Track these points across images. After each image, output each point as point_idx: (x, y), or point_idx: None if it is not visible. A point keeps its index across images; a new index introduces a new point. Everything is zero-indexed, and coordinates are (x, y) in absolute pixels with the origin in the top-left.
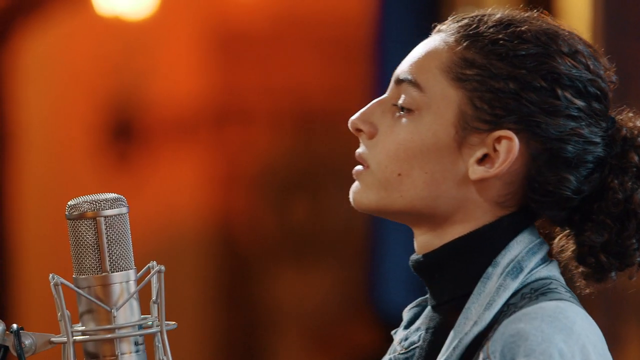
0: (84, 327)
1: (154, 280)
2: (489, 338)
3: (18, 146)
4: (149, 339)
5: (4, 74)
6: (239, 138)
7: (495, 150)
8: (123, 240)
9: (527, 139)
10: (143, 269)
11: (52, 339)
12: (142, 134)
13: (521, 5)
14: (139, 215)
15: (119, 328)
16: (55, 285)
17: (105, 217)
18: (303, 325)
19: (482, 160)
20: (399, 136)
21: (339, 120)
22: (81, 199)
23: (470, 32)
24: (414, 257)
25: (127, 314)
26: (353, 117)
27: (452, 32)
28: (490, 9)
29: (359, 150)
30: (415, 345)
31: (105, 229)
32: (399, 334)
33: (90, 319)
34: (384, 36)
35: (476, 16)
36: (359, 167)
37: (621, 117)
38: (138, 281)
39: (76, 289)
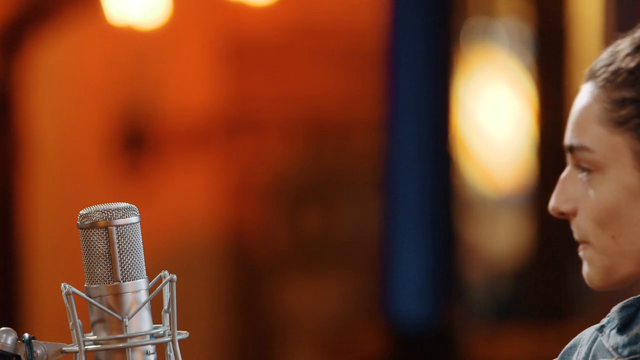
0: (95, 337)
1: (166, 289)
2: None
3: (30, 155)
4: (160, 349)
5: (17, 83)
6: (251, 148)
7: None
8: (135, 249)
9: None
10: (155, 279)
11: (64, 349)
12: (154, 144)
13: (533, 12)
14: (151, 224)
15: (131, 337)
16: (67, 294)
17: (117, 226)
18: (315, 334)
19: None
20: (595, 201)
21: (351, 131)
22: (93, 208)
23: (610, 71)
24: None
25: (139, 323)
26: (551, 205)
27: (594, 78)
28: (623, 36)
29: (575, 234)
30: (638, 355)
31: (117, 238)
32: (612, 339)
33: (101, 328)
34: (396, 47)
35: (612, 50)
36: (581, 248)
37: None
38: (150, 290)
39: (88, 298)
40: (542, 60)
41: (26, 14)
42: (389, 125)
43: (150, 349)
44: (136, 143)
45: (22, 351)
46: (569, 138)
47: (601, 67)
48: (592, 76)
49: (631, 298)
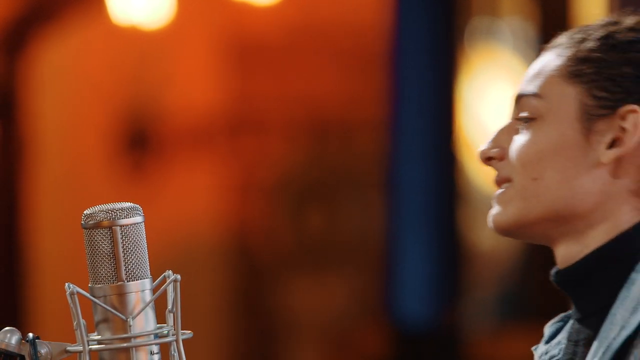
0: (99, 336)
1: (170, 289)
2: (636, 345)
3: (34, 155)
4: (164, 348)
5: (21, 83)
6: (254, 147)
7: (622, 129)
8: (139, 249)
9: None
10: (159, 278)
11: (68, 348)
12: (157, 143)
13: (536, 12)
14: (155, 224)
15: (135, 337)
16: (71, 294)
17: (121, 226)
18: (318, 333)
19: (611, 146)
20: (527, 142)
21: (355, 130)
22: (97, 208)
23: (578, 37)
24: (556, 271)
25: (143, 323)
26: (480, 148)
27: (560, 43)
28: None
29: (496, 176)
30: (556, 358)
31: (121, 238)
32: (539, 349)
33: (106, 328)
34: (400, 47)
35: (579, 28)
36: (498, 191)
37: None
38: (154, 290)
39: (92, 298)
40: None
41: (30, 13)
42: (393, 125)
43: (155, 348)
44: (140, 143)
45: (26, 351)
46: (521, 89)
47: (567, 37)
48: (556, 45)
49: (561, 315)
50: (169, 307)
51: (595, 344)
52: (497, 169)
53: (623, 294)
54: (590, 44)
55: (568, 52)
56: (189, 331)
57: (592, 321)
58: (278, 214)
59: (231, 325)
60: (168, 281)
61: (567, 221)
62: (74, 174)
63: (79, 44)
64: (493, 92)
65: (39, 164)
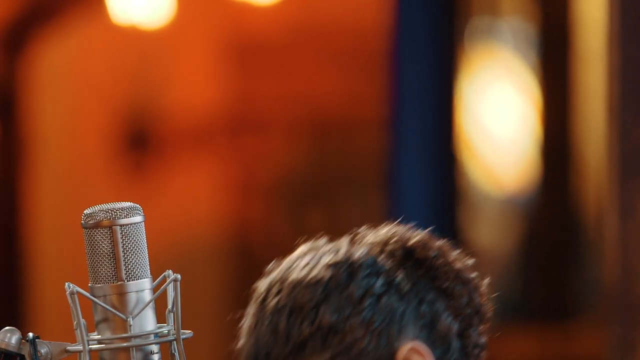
0: (99, 336)
1: (170, 289)
2: None
3: (34, 155)
4: (164, 348)
5: (21, 83)
6: (255, 147)
7: None
8: (139, 249)
9: None
10: (159, 278)
11: (68, 348)
12: (158, 143)
13: (536, 11)
14: (155, 224)
15: (135, 337)
16: (71, 294)
17: (121, 225)
18: None
19: None
20: None
21: (355, 130)
22: (97, 207)
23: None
24: None
25: (143, 322)
26: None
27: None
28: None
29: None
30: None
31: (121, 237)
32: None
33: (106, 327)
34: (400, 46)
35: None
36: None
37: None
38: (154, 290)
39: (92, 297)
40: (547, 60)
41: (30, 13)
42: (393, 125)
43: (155, 348)
44: (140, 142)
45: (26, 350)
46: None
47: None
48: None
49: None
50: (169, 306)
51: None
52: None
53: None
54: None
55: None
56: (189, 331)
57: None
58: (278, 214)
59: (231, 325)
60: (168, 281)
61: None
62: (74, 174)
63: (79, 44)
64: (493, 92)
65: (39, 164)
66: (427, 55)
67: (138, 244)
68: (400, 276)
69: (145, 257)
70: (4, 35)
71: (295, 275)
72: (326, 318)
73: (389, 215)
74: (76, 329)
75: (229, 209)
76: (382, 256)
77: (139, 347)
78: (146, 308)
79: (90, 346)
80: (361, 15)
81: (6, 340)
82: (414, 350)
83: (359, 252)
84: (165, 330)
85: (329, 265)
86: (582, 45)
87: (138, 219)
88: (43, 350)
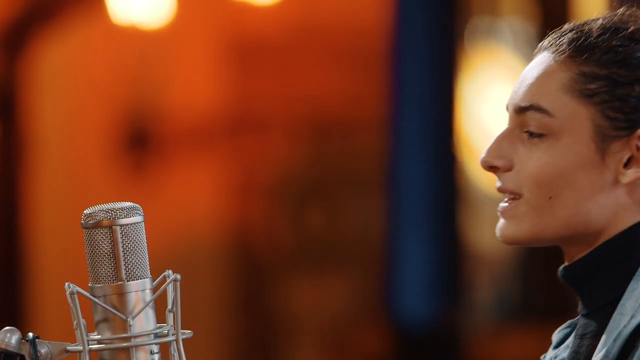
0: (99, 336)
1: (170, 289)
2: None
3: (34, 155)
4: (164, 348)
5: (21, 83)
6: (255, 147)
7: (638, 149)
8: (139, 248)
9: None
10: (159, 278)
11: (68, 348)
12: (158, 143)
13: (536, 11)
14: (155, 223)
15: (135, 337)
16: (71, 294)
17: (121, 225)
18: (319, 333)
19: (627, 164)
20: (541, 160)
21: (356, 130)
22: (97, 207)
23: (581, 46)
24: (563, 266)
25: (143, 322)
26: (483, 156)
27: (561, 49)
28: (590, 18)
29: (500, 185)
30: (560, 357)
31: (121, 237)
32: (548, 355)
33: (106, 327)
34: (400, 46)
35: (579, 28)
36: (505, 204)
37: None
38: (154, 290)
39: (92, 297)
40: None
41: (30, 13)
42: (393, 125)
43: (155, 348)
44: (140, 142)
45: (26, 350)
46: (524, 100)
47: (569, 41)
48: (555, 46)
49: (568, 321)
50: (169, 306)
51: (604, 336)
52: (501, 179)
53: (632, 286)
54: (596, 56)
55: (571, 64)
56: (189, 331)
57: (599, 315)
58: (279, 214)
59: (231, 325)
60: (168, 281)
61: (581, 235)
62: (74, 173)
63: (79, 44)
64: (493, 92)
65: (39, 164)
66: (427, 55)
67: (138, 244)
68: None
69: (145, 257)
70: (4, 35)
71: None
72: None
73: (389, 215)
74: (76, 329)
75: (229, 209)
76: None
77: (138, 347)
78: (146, 308)
79: (90, 346)
80: (361, 15)
81: (6, 340)
82: None
83: None
84: (165, 330)
85: None
86: None
87: (138, 219)
88: (43, 350)
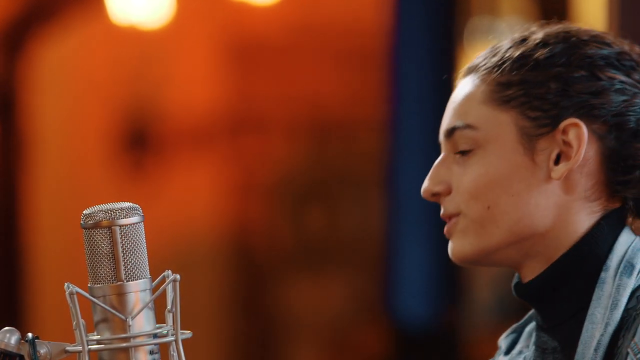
0: (99, 336)
1: (169, 289)
2: (624, 339)
3: (34, 155)
4: (164, 348)
5: (20, 82)
6: (254, 147)
7: (565, 143)
8: (138, 249)
9: (589, 124)
10: (158, 278)
11: (68, 348)
12: (157, 143)
13: (536, 11)
14: (154, 224)
15: (134, 337)
16: (71, 294)
17: (121, 226)
18: (318, 334)
19: (558, 160)
20: (474, 173)
21: (355, 130)
22: (96, 208)
23: (493, 61)
24: (517, 283)
25: (142, 323)
26: (424, 187)
27: (476, 70)
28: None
29: (443, 211)
30: None
31: (121, 238)
32: None
33: (105, 328)
34: (400, 46)
35: (492, 47)
36: (448, 224)
37: None
38: (153, 290)
39: (91, 298)
40: None
41: (30, 13)
42: (393, 125)
43: (154, 348)
44: (140, 142)
45: (25, 351)
46: (449, 122)
47: (483, 61)
48: (472, 70)
49: (512, 327)
50: (168, 306)
51: (580, 347)
52: (444, 205)
53: (597, 294)
54: (508, 67)
55: (487, 78)
56: (189, 331)
57: (564, 328)
58: (278, 214)
59: (231, 325)
60: (167, 281)
61: (528, 241)
62: (73, 173)
63: (79, 43)
64: None
65: (39, 163)
66: (427, 55)
67: (137, 244)
68: None
69: (145, 258)
70: (4, 35)
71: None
72: None
73: (389, 215)
74: (75, 330)
75: (229, 209)
76: None
77: (138, 347)
78: (145, 308)
79: (89, 346)
80: (361, 16)
81: (6, 341)
82: None
83: None
84: (164, 330)
85: None
86: None
87: (137, 219)
88: (42, 350)
